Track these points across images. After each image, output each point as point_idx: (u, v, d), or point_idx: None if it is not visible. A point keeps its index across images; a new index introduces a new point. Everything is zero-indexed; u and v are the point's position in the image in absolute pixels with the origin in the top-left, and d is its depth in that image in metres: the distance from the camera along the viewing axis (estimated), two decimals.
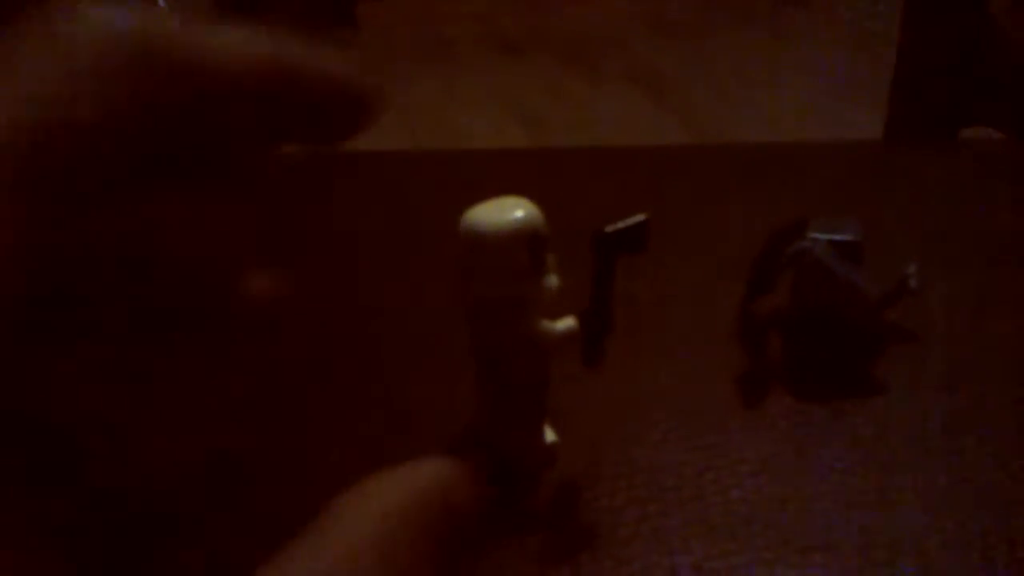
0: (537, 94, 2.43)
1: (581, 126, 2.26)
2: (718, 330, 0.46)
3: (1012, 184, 0.58)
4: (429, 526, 0.18)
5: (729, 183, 0.58)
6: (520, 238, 0.33)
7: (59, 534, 0.17)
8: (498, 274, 0.34)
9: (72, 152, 0.17)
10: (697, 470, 0.38)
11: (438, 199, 0.49)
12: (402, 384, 0.43)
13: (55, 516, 0.17)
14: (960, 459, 0.39)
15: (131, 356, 0.19)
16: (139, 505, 0.20)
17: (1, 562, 0.16)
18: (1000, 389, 0.42)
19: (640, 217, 0.34)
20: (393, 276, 0.50)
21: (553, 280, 0.35)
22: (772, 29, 2.71)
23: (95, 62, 0.18)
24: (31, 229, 0.17)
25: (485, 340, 0.36)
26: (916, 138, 1.06)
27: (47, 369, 0.17)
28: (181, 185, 0.19)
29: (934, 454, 0.39)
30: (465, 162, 0.64)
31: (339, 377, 0.44)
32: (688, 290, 0.48)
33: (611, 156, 0.64)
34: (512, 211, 0.34)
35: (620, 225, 0.34)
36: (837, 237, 0.45)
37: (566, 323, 0.36)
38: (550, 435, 0.38)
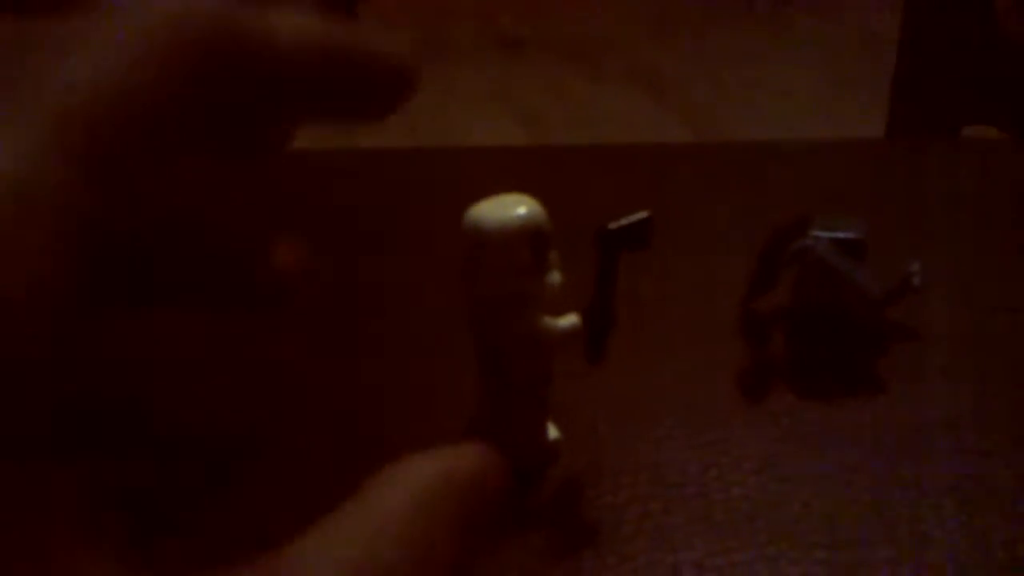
0: (537, 92, 2.43)
1: (581, 124, 2.26)
2: (721, 327, 0.46)
3: (1013, 182, 0.58)
4: (462, 507, 0.19)
5: (731, 181, 0.58)
6: (523, 235, 0.33)
7: (119, 492, 0.18)
8: (501, 271, 0.34)
9: (140, 124, 0.18)
10: (700, 467, 0.38)
11: (439, 197, 0.49)
12: (403, 382, 0.43)
13: (117, 475, 0.18)
14: (961, 456, 0.39)
15: (179, 321, 0.20)
16: (191, 465, 0.20)
17: (63, 525, 0.16)
18: (1002, 387, 0.42)
19: (643, 214, 0.34)
20: (394, 274, 0.50)
21: (556, 277, 0.35)
22: (773, 28, 2.71)
23: (167, 40, 0.18)
24: (95, 198, 0.17)
25: (488, 337, 0.36)
26: (917, 137, 1.06)
27: (111, 332, 0.18)
28: (213, 155, 0.20)
29: (936, 451, 0.39)
30: (466, 160, 0.64)
31: (340, 375, 0.44)
32: (691, 287, 0.48)
33: (613, 154, 0.64)
34: (515, 208, 0.34)
35: (623, 222, 0.34)
36: (840, 235, 0.44)
37: (569, 320, 0.36)
38: (553, 432, 0.38)
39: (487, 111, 2.34)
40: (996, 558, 0.35)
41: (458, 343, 0.36)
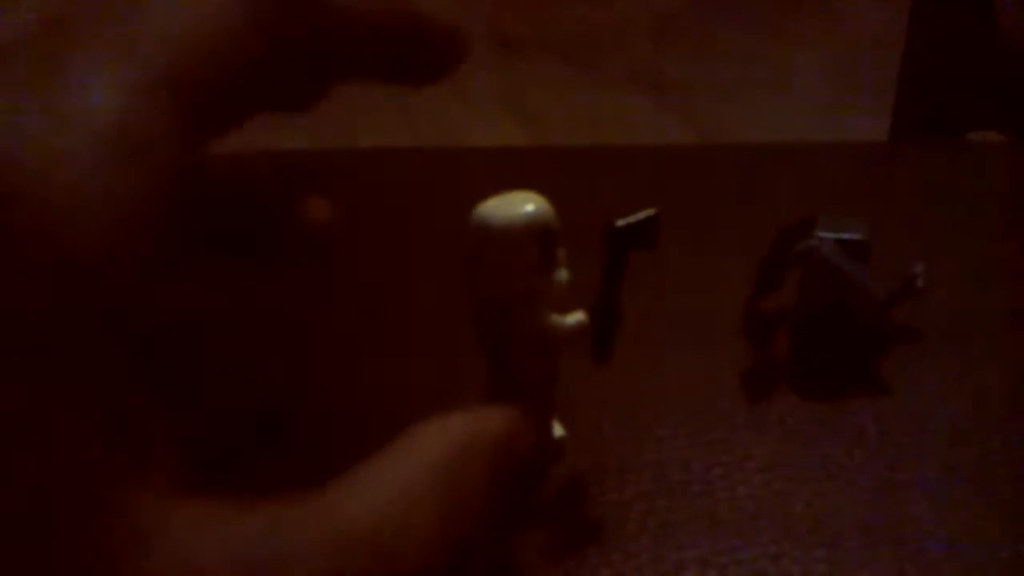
0: (538, 93, 2.43)
1: (583, 125, 2.26)
2: (725, 328, 0.46)
3: (1016, 185, 0.58)
4: (491, 464, 0.21)
5: (736, 183, 0.58)
6: (531, 231, 0.33)
7: (187, 441, 0.19)
8: (509, 267, 0.34)
9: (228, 77, 0.18)
10: (704, 466, 0.38)
11: (440, 197, 0.49)
12: (405, 381, 0.43)
13: (185, 426, 0.19)
14: (965, 458, 0.39)
15: (223, 273, 0.21)
16: (240, 415, 0.22)
17: (157, 458, 0.18)
18: (1005, 388, 0.42)
19: (650, 211, 0.34)
20: (395, 274, 0.50)
21: (564, 274, 0.35)
22: (775, 30, 2.71)
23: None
24: (186, 147, 0.18)
25: (494, 334, 0.36)
26: (921, 142, 1.06)
27: (179, 289, 0.19)
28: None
29: (939, 452, 0.39)
30: (468, 160, 0.64)
31: (340, 371, 0.44)
32: (695, 288, 0.48)
33: (616, 155, 0.64)
34: (523, 205, 0.34)
35: (631, 219, 0.34)
36: (844, 236, 0.45)
37: (576, 317, 0.36)
38: (558, 430, 0.38)
39: (487, 112, 2.34)
40: (999, 559, 0.35)
41: (460, 343, 0.36)
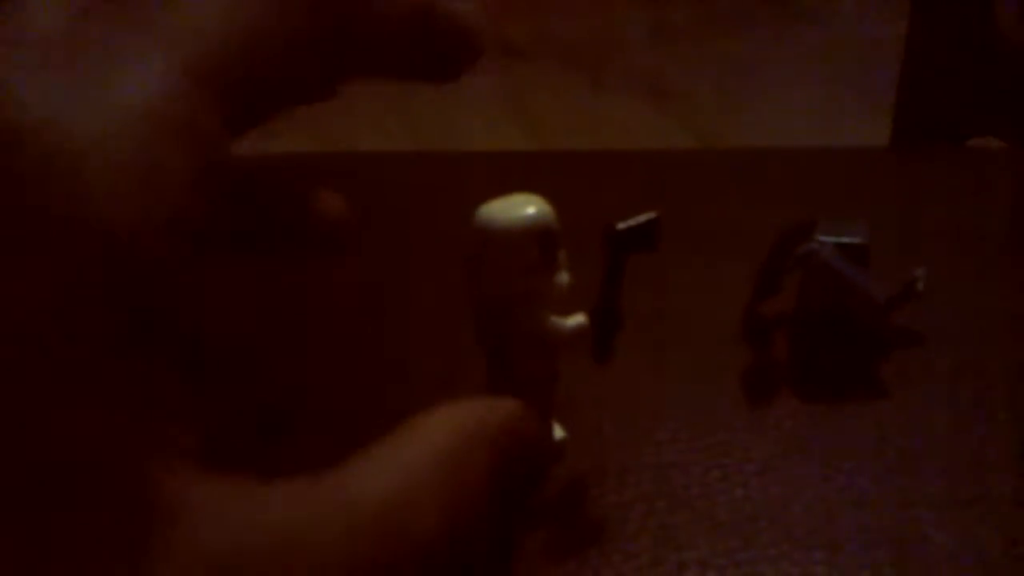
0: (539, 98, 2.43)
1: (583, 130, 2.26)
2: (725, 331, 0.46)
3: (1015, 190, 0.58)
4: (496, 452, 0.21)
5: (736, 187, 0.58)
6: (532, 233, 0.34)
7: (210, 429, 0.20)
8: (510, 269, 0.34)
9: (263, 66, 0.19)
10: (704, 468, 0.39)
11: (442, 200, 0.49)
12: (405, 383, 0.43)
13: (209, 415, 0.20)
14: (964, 460, 0.39)
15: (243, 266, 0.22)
16: (254, 406, 0.23)
17: (184, 442, 0.18)
18: (1005, 392, 0.42)
19: (651, 215, 0.35)
20: (397, 276, 0.50)
21: (564, 277, 0.35)
22: (775, 35, 2.72)
23: None
24: (224, 135, 0.18)
25: (494, 335, 0.36)
26: (921, 147, 1.06)
27: (209, 286, 0.19)
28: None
29: (938, 455, 0.39)
30: (468, 164, 0.64)
31: (342, 372, 0.44)
32: (695, 291, 0.49)
33: (616, 159, 0.64)
34: (525, 207, 0.34)
35: (631, 223, 0.34)
36: (844, 240, 0.45)
37: (576, 319, 0.36)
38: (558, 432, 0.38)
39: (489, 116, 2.34)
40: (996, 561, 0.35)
41: (460, 345, 0.36)
